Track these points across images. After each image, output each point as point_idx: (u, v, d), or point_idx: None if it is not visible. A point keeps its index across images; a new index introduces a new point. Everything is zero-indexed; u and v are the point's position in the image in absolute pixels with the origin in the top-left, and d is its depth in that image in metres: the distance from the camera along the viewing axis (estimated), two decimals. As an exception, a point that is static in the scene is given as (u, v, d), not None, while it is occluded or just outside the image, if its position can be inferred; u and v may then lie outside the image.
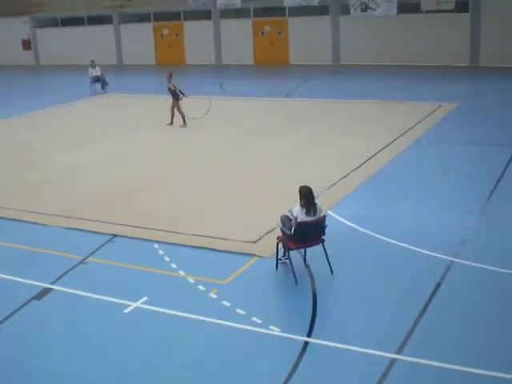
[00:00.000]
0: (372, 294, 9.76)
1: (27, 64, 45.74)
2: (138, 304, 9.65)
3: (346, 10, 35.84)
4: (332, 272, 10.32)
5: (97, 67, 31.36)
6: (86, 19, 44.00)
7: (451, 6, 32.98)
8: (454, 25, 33.43)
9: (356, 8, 35.34)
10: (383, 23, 34.88)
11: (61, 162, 18.13)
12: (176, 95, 21.75)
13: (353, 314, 9.25)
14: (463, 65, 33.30)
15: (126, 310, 9.52)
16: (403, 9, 34.48)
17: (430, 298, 9.43)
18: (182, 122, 21.76)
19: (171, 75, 22.01)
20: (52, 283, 10.51)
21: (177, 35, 41.23)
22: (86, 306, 9.80)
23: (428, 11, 33.85)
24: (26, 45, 46.19)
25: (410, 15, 34.50)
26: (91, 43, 42.77)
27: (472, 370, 7.67)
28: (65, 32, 44.75)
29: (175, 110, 21.86)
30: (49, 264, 11.44)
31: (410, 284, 10.00)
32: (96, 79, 31.15)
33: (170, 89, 21.86)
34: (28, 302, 9.95)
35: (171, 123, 21.92)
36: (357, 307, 9.41)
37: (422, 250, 11.03)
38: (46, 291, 10.29)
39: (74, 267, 11.13)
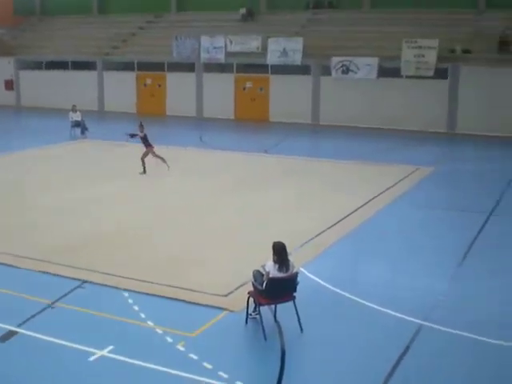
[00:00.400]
0: (340, 354, 9.73)
1: (8, 104, 45.72)
2: (104, 352, 9.53)
3: (327, 71, 36.37)
4: (302, 330, 10.29)
5: (78, 112, 31.44)
6: (70, 64, 44.19)
7: (430, 73, 33.68)
8: (432, 91, 34.05)
9: (337, 70, 35.91)
10: (363, 86, 35.42)
11: (34, 205, 18.03)
12: (148, 143, 21.92)
13: (320, 373, 9.19)
14: (441, 130, 33.79)
15: (92, 358, 9.39)
16: (383, 73, 35.09)
17: (398, 361, 9.42)
18: (167, 167, 22.05)
19: (142, 125, 22.19)
20: (18, 326, 10.37)
21: (159, 85, 41.52)
22: (51, 351, 9.66)
23: (408, 76, 34.50)
24: (9, 85, 46.22)
25: (390, 79, 35.07)
26: (74, 88, 42.88)
27: None
28: (48, 75, 44.85)
29: (152, 157, 21.98)
30: (16, 306, 11.28)
31: (379, 346, 9.98)
32: (76, 124, 31.18)
33: (141, 138, 22.02)
34: (-8, 344, 9.81)
35: (144, 172, 21.95)
36: (324, 367, 9.36)
37: (392, 312, 11.04)
38: (12, 334, 10.14)
39: (41, 311, 11.00)
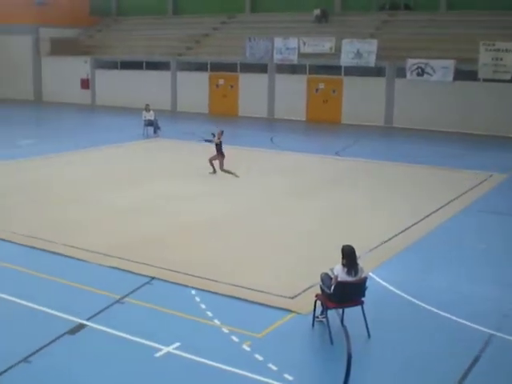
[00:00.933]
0: (407, 361, 9.54)
1: (84, 103, 46.65)
2: (170, 349, 9.57)
3: (401, 73, 35.91)
4: (369, 335, 10.13)
5: (151, 111, 31.80)
6: (144, 64, 44.80)
7: (508, 76, 32.90)
8: (509, 95, 33.23)
9: (412, 72, 35.42)
10: (439, 89, 34.85)
11: (106, 202, 18.30)
12: (221, 152, 21.80)
13: (386, 379, 9.03)
14: (517, 136, 33.00)
15: (158, 354, 9.44)
16: (460, 76, 34.45)
17: (468, 371, 9.17)
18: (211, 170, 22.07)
19: (222, 133, 22.15)
20: (87, 319, 10.51)
21: (232, 86, 41.70)
22: (118, 346, 9.76)
23: (485, 80, 33.79)
24: (85, 84, 47.16)
25: (467, 83, 34.42)
26: (147, 87, 43.48)
27: None
28: (123, 74, 45.61)
29: (214, 160, 21.96)
30: (86, 300, 11.46)
31: (447, 354, 9.73)
32: (149, 123, 31.55)
33: (216, 144, 21.89)
34: (61, 335, 9.96)
35: (214, 171, 21.99)
36: (390, 373, 9.19)
37: (461, 321, 10.77)
38: (81, 327, 10.29)
39: (110, 306, 11.14)
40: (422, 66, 35.00)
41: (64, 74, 47.71)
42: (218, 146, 21.84)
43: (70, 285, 12.14)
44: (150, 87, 43.55)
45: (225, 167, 21.75)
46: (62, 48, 47.84)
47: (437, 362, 9.52)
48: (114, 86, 45.74)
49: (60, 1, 49.60)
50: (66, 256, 13.70)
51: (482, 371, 9.26)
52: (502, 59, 33.00)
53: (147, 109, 31.82)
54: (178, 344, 9.70)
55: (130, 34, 48.58)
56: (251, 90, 40.78)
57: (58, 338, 9.91)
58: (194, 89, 42.76)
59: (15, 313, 11.00)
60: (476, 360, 9.51)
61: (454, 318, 10.91)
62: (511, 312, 11.34)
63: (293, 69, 40.11)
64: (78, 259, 13.52)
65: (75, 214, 17.08)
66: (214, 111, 41.91)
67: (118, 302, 11.32)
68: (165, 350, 9.55)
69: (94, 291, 11.83)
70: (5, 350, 9.61)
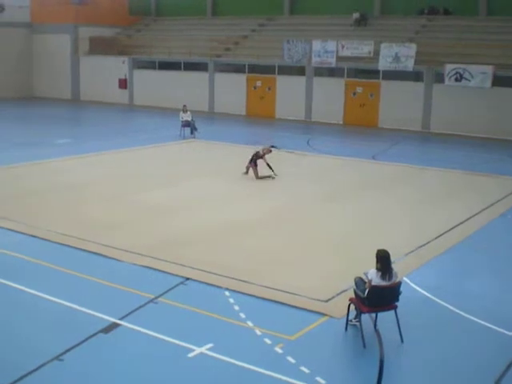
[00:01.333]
0: (440, 367, 9.48)
1: (121, 102, 47.01)
2: (203, 350, 9.62)
3: (439, 78, 35.65)
4: (402, 340, 10.09)
5: (188, 112, 31.93)
6: (182, 64, 45.03)
7: (548, 83, 32.51)
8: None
9: (450, 77, 35.14)
10: (477, 94, 34.52)
11: (142, 201, 18.43)
12: (255, 163, 21.83)
13: (420, 385, 9.00)
14: (556, 143, 32.58)
15: (191, 354, 9.50)
16: (498, 82, 34.09)
17: (501, 378, 9.09)
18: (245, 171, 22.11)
19: (270, 151, 22.22)
20: (120, 319, 10.61)
21: (269, 88, 41.73)
22: (151, 345, 9.83)
23: (524, 86, 33.46)
24: (123, 84, 47.49)
25: (505, 89, 34.05)
26: (185, 88, 43.70)
27: None
28: (160, 75, 45.87)
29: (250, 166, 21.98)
30: (120, 299, 11.56)
31: (480, 361, 9.67)
32: (186, 124, 31.67)
33: (260, 157, 21.89)
34: (95, 334, 10.07)
35: (246, 172, 22.04)
36: (423, 379, 9.15)
37: (495, 327, 10.69)
38: (114, 326, 10.39)
39: (144, 305, 11.22)
40: (460, 71, 34.70)
41: (102, 74, 48.11)
42: (256, 158, 21.83)
43: (104, 283, 12.26)
44: (187, 88, 43.75)
45: (260, 174, 21.76)
46: (100, 47, 48.28)
47: (470, 367, 9.46)
48: (151, 86, 46.01)
49: (99, 0, 50.07)
50: (99, 255, 13.85)
51: (516, 380, 9.19)
52: (542, 65, 32.61)
53: (184, 110, 31.95)
54: (210, 345, 9.75)
55: (169, 34, 48.83)
56: (289, 93, 40.76)
57: (92, 336, 10.02)
58: (232, 90, 42.85)
59: (49, 311, 11.13)
60: (510, 366, 9.42)
61: (487, 324, 10.83)
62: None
63: (331, 72, 40.02)
64: (112, 258, 13.65)
65: (110, 213, 17.25)
66: (251, 113, 41.99)
67: (151, 301, 11.40)
68: (198, 350, 9.60)
69: (128, 290, 11.93)
70: (38, 347, 9.72)
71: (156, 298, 11.54)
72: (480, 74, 34.18)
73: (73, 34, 48.85)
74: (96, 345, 9.80)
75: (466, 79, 34.59)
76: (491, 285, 12.87)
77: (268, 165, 21.77)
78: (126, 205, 18.07)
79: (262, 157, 21.91)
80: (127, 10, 52.71)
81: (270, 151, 22.26)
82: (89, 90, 49.02)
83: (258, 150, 22.15)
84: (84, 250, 14.08)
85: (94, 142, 29.09)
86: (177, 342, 9.87)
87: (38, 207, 17.65)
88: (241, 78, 42.69)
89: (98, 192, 19.56)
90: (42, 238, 14.88)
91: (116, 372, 9.09)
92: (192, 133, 31.42)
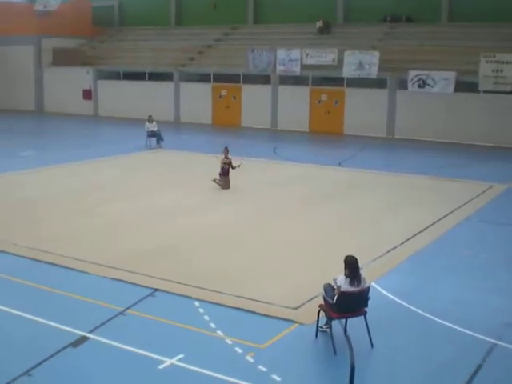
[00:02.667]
0: (410, 371, 9.56)
1: (86, 113, 46.72)
2: (174, 361, 9.58)
3: (403, 85, 36.00)
4: (372, 345, 10.15)
5: (154, 122, 31.81)
6: (147, 75, 44.92)
7: (509, 88, 32.96)
8: (510, 107, 33.29)
9: (414, 83, 35.50)
10: (440, 100, 34.94)
11: (107, 214, 18.31)
12: (226, 171, 21.74)
13: (390, 390, 9.05)
14: (518, 147, 33.06)
15: (161, 366, 9.45)
16: (461, 87, 34.53)
17: (470, 381, 9.18)
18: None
19: (227, 151, 22.17)
20: (89, 332, 10.52)
21: (235, 97, 41.79)
22: (121, 358, 9.76)
23: (485, 91, 33.87)
24: (87, 95, 47.23)
25: (467, 94, 34.52)
26: (150, 98, 43.61)
27: None
28: (125, 85, 45.71)
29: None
30: (88, 312, 11.46)
31: (449, 364, 9.76)
32: (152, 134, 31.56)
33: (227, 165, 21.78)
34: (64, 348, 9.96)
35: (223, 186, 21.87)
36: (393, 383, 9.22)
37: (464, 330, 10.81)
38: (83, 339, 10.29)
39: (112, 318, 11.14)
40: (424, 77, 35.09)
41: (66, 85, 47.77)
42: (227, 169, 21.77)
43: (72, 297, 12.15)
44: (152, 98, 43.68)
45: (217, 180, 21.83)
46: (64, 58, 47.93)
47: (439, 371, 9.54)
48: (116, 96, 45.83)
49: (62, 11, 49.75)
50: (66, 268, 13.71)
51: (484, 380, 9.27)
52: (502, 71, 33.06)
53: (150, 120, 31.84)
54: (181, 356, 9.71)
55: (133, 44, 48.70)
56: (254, 101, 40.87)
57: (61, 350, 9.91)
58: (197, 100, 42.86)
59: (17, 325, 10.99)
60: (478, 369, 9.53)
61: (455, 327, 10.93)
62: (512, 322, 11.39)
63: (296, 80, 40.20)
64: (80, 271, 13.52)
65: (76, 226, 17.10)
66: (217, 122, 42.02)
67: (120, 313, 11.33)
68: (168, 361, 9.56)
69: (97, 303, 11.83)
70: (6, 362, 9.61)
71: (125, 310, 11.46)
72: (442, 80, 34.59)
73: (36, 45, 48.52)
74: (65, 359, 9.70)
75: (429, 85, 34.98)
76: (458, 288, 13.00)
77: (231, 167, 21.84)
78: (91, 217, 17.92)
79: (229, 164, 21.85)
80: (91, 21, 52.41)
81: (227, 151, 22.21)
82: (53, 102, 48.69)
83: (223, 160, 21.99)
84: (51, 264, 13.94)
85: (59, 154, 28.86)
86: (147, 353, 9.81)
87: (3, 221, 17.45)
88: (206, 88, 42.70)
89: (63, 204, 19.40)
90: (8, 252, 14.72)
91: (86, 385, 9.02)
92: (158, 143, 31.32)
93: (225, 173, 21.81)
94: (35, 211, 18.49)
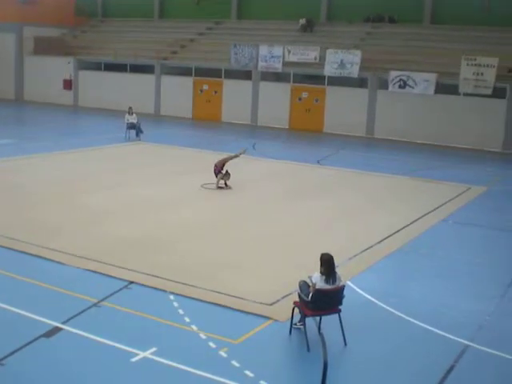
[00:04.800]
0: (382, 370, 9.61)
1: (66, 103, 46.46)
2: (147, 354, 9.56)
3: (384, 85, 36.17)
4: (345, 343, 10.19)
5: (134, 114, 31.70)
6: (128, 66, 44.74)
7: (489, 91, 33.22)
8: (490, 110, 33.60)
9: (394, 84, 35.68)
10: (420, 101, 35.14)
11: (85, 204, 18.21)
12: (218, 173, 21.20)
13: (362, 388, 9.10)
14: (496, 150, 33.32)
15: (134, 359, 9.42)
16: (441, 89, 34.77)
17: (442, 381, 9.25)
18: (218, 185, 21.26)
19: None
20: (63, 323, 10.47)
21: (216, 92, 41.74)
22: (94, 349, 9.72)
23: (465, 94, 34.09)
24: (67, 85, 46.95)
25: (448, 96, 34.73)
26: (131, 90, 43.47)
27: None
28: (106, 76, 45.52)
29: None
30: (62, 303, 11.41)
31: (422, 364, 9.83)
32: (131, 126, 31.46)
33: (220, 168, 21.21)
34: (36, 338, 9.91)
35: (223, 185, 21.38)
36: (366, 381, 9.25)
37: (437, 331, 10.88)
38: (56, 330, 10.24)
39: (86, 309, 11.09)
40: (404, 78, 35.28)
41: (47, 74, 47.45)
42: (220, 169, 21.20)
43: (47, 287, 12.08)
44: (133, 90, 43.54)
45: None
46: (45, 47, 47.62)
47: (412, 371, 9.59)
48: (97, 87, 45.60)
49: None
50: (42, 258, 13.62)
51: (456, 380, 9.35)
52: (482, 74, 33.32)
53: (130, 112, 31.73)
54: (154, 349, 9.69)
55: (115, 35, 48.47)
56: (235, 97, 40.86)
57: (33, 341, 9.85)
58: (178, 93, 42.78)
59: (-9, 313, 10.94)
60: (450, 370, 9.60)
61: (429, 327, 11.01)
62: (486, 323, 11.47)
63: (277, 77, 40.24)
64: (55, 261, 13.44)
65: (52, 215, 17.00)
66: (198, 116, 41.98)
67: (94, 305, 11.28)
68: (141, 354, 9.53)
69: (71, 294, 11.76)
70: (-21, 351, 9.56)
71: (99, 302, 11.42)
72: (423, 82, 34.80)
73: (18, 33, 48.12)
74: (38, 349, 9.66)
75: (410, 86, 35.16)
76: (433, 289, 13.08)
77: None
78: (68, 208, 17.83)
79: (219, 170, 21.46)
80: (73, 11, 52.07)
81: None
82: (33, 91, 48.35)
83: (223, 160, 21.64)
84: (27, 253, 13.85)
85: (37, 144, 28.68)
86: (120, 346, 9.78)
87: (-21, 209, 17.33)
88: (187, 81, 42.61)
89: (39, 194, 19.26)
90: (-18, 241, 14.62)
91: (58, 376, 8.96)
92: (137, 135, 31.22)
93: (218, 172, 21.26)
94: (11, 200, 18.34)
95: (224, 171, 21.09)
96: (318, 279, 10.12)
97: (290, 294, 11.75)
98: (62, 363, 9.32)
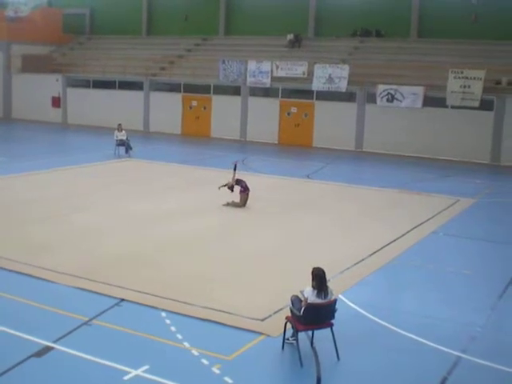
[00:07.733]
0: (376, 383, 9.57)
1: (55, 121, 46.38)
2: (139, 372, 9.50)
3: (372, 99, 36.32)
4: (338, 358, 10.16)
5: (123, 131, 31.72)
6: (117, 83, 44.74)
7: (476, 104, 33.39)
8: (477, 122, 33.78)
9: (382, 98, 35.82)
10: (408, 115, 35.29)
11: (74, 222, 18.15)
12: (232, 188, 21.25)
13: (356, 403, 9.07)
14: (484, 162, 33.47)
15: (126, 377, 9.37)
16: (429, 102, 34.93)
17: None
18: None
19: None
20: (54, 342, 10.40)
21: (205, 108, 41.79)
22: (86, 368, 9.66)
23: (453, 107, 34.27)
24: (56, 102, 46.90)
25: (435, 109, 34.88)
26: (120, 107, 43.46)
27: None
28: (95, 94, 45.50)
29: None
30: (53, 322, 11.33)
31: (415, 376, 9.83)
32: (121, 143, 31.45)
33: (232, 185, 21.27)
34: (28, 358, 9.83)
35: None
36: (360, 397, 9.24)
37: (430, 343, 10.87)
38: (47, 349, 10.17)
39: (77, 328, 11.02)
40: (392, 92, 35.44)
41: (35, 92, 47.36)
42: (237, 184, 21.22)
43: (38, 306, 12.00)
44: (122, 107, 43.53)
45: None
46: (33, 65, 47.50)
47: (405, 383, 9.60)
48: (85, 104, 45.57)
49: (33, 17, 49.51)
50: (32, 276, 13.54)
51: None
52: (469, 87, 33.50)
53: (119, 128, 31.74)
54: (146, 367, 9.63)
55: (103, 52, 48.40)
56: (224, 112, 40.91)
57: (25, 360, 9.78)
58: (167, 110, 42.80)
59: (-19, 333, 10.86)
60: (443, 382, 9.59)
61: (422, 340, 11.00)
62: (477, 334, 11.49)
63: (266, 92, 40.34)
64: (46, 280, 13.37)
65: (42, 233, 16.92)
66: (187, 132, 41.98)
67: (85, 324, 11.21)
68: (133, 373, 9.48)
69: (61, 313, 11.70)
70: (-30, 371, 9.47)
71: (90, 320, 11.35)
72: (411, 95, 34.97)
73: (5, 51, 48.04)
74: (29, 369, 9.57)
75: (398, 100, 35.32)
76: (425, 301, 13.09)
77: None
78: (59, 225, 17.77)
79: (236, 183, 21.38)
80: (61, 28, 52.10)
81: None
82: (21, 108, 48.23)
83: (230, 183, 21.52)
84: (16, 272, 13.76)
85: (26, 162, 28.57)
86: (112, 364, 9.72)
87: (-32, 228, 17.24)
88: (176, 98, 42.65)
89: (29, 213, 19.17)
90: (-27, 260, 14.52)
91: (49, 396, 8.91)
92: (127, 152, 31.20)
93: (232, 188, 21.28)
94: (3, 219, 18.25)
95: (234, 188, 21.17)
96: (309, 293, 10.11)
97: (281, 308, 11.73)
98: (53, 383, 9.24)
